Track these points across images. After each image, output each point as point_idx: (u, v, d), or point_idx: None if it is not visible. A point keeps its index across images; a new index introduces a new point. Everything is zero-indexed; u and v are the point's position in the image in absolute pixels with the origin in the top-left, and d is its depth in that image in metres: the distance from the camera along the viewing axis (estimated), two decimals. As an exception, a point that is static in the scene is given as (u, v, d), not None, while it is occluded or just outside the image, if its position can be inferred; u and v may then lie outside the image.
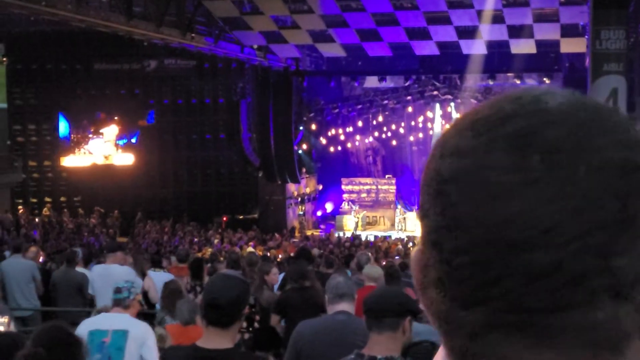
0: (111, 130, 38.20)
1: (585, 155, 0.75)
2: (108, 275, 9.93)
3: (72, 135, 38.02)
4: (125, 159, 38.14)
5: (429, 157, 0.84)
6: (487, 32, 29.24)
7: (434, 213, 0.80)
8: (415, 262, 0.84)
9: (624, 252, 0.74)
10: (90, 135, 38.24)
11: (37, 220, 32.09)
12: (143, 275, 10.77)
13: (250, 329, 8.99)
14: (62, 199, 38.05)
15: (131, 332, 6.42)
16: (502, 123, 0.79)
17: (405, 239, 33.33)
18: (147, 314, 10.64)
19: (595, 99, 0.83)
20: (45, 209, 35.94)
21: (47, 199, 37.76)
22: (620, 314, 0.75)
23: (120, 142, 38.36)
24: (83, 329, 6.51)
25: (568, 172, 0.75)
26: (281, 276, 11.09)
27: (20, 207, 34.08)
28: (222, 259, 18.61)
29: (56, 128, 37.80)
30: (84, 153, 38.15)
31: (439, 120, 41.31)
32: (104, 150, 38.11)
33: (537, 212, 0.74)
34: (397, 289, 6.02)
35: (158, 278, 11.03)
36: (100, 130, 38.15)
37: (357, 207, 38.93)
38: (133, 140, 38.26)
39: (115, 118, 37.97)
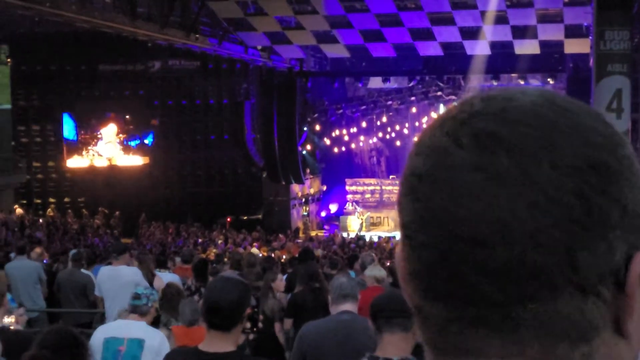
0: (110, 130, 38.00)
1: (548, 153, 0.77)
2: (117, 276, 9.92)
3: (79, 136, 37.92)
4: (134, 161, 38.00)
5: (408, 155, 0.87)
6: (491, 32, 29.24)
7: (406, 209, 0.84)
8: (397, 256, 0.87)
9: (586, 249, 0.76)
10: (100, 136, 38.10)
11: (41, 221, 32.09)
12: (152, 276, 10.77)
13: (255, 329, 8.96)
14: (66, 199, 38.06)
15: (147, 342, 6.30)
16: (468, 122, 0.82)
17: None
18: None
19: (567, 97, 0.85)
20: (49, 209, 35.94)
21: (51, 200, 37.76)
22: (587, 308, 0.77)
23: (132, 143, 38.24)
24: (99, 336, 6.45)
25: (530, 169, 0.77)
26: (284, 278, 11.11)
27: (16, 206, 33.92)
28: (226, 259, 18.62)
29: (60, 129, 37.73)
30: (93, 155, 38.00)
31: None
32: (109, 152, 37.99)
33: (498, 208, 0.77)
34: (397, 290, 6.03)
35: (167, 279, 11.06)
36: (99, 132, 37.94)
37: (360, 209, 38.92)
38: (147, 141, 38.18)
39: (127, 117, 37.90)
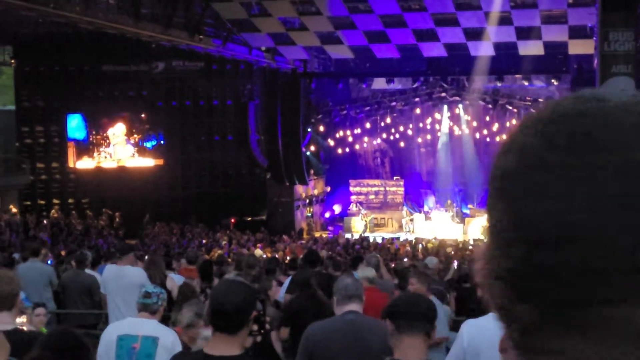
0: (118, 131, 37.85)
1: (633, 157, 0.78)
2: (122, 276, 9.96)
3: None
4: (141, 162, 37.89)
5: (496, 153, 0.88)
6: (495, 33, 29.22)
7: (495, 208, 0.86)
8: (481, 254, 0.89)
9: None
10: (108, 137, 37.84)
11: (45, 222, 32.11)
12: (164, 277, 10.79)
13: (262, 331, 8.88)
14: (70, 200, 38.08)
15: (161, 339, 6.31)
16: (559, 122, 0.83)
17: (414, 240, 33.27)
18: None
19: None
20: (53, 211, 35.97)
21: (55, 201, 37.76)
22: None
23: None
24: (112, 333, 6.43)
25: (612, 172, 0.78)
26: (288, 280, 11.10)
27: (12, 206, 33.78)
28: (230, 260, 18.64)
29: (64, 129, 37.63)
30: (105, 157, 37.84)
31: (446, 122, 41.28)
32: (117, 153, 37.83)
33: (578, 210, 0.78)
34: (422, 294, 6.04)
35: (179, 280, 11.07)
36: (106, 133, 37.80)
37: (365, 211, 38.88)
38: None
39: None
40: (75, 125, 37.51)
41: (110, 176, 37.41)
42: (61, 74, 37.62)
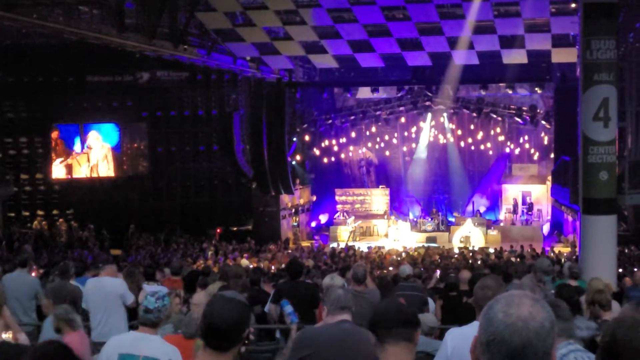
0: (99, 141, 37.66)
1: None
2: (101, 288, 9.97)
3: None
4: (131, 172, 37.81)
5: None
6: (479, 42, 29.34)
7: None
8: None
9: None
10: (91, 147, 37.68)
11: (29, 233, 31.94)
12: (139, 289, 10.74)
13: (247, 342, 8.90)
14: (55, 212, 37.93)
15: None
16: None
17: (401, 248, 33.29)
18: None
19: None
20: (35, 222, 35.83)
21: (40, 212, 37.62)
22: None
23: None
24: (113, 348, 6.19)
25: None
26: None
27: None
28: (215, 270, 18.59)
29: (51, 138, 37.41)
30: (92, 167, 37.66)
31: (431, 131, 41.34)
32: (107, 163, 37.65)
33: None
34: (397, 300, 6.04)
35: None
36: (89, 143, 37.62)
37: (352, 219, 38.90)
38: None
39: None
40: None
41: (95, 187, 37.28)
42: (45, 85, 37.51)
